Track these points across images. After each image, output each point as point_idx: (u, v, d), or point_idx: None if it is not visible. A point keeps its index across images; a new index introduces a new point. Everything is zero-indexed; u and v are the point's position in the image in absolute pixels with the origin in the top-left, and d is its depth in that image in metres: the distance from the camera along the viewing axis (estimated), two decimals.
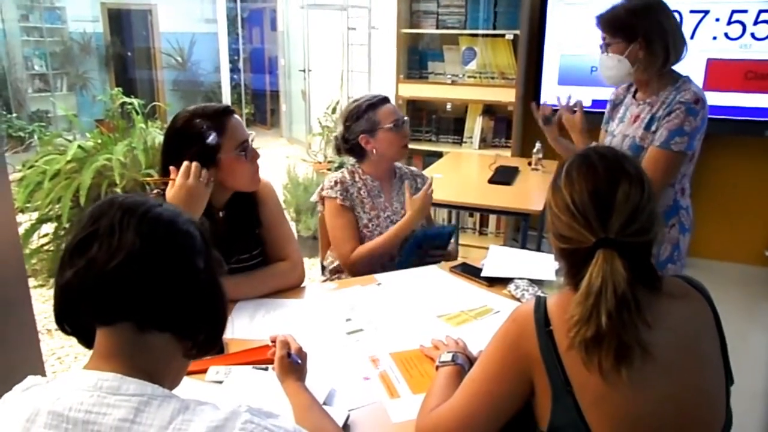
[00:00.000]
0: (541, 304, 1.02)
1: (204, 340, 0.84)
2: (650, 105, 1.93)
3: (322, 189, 2.10)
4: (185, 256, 0.80)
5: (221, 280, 0.86)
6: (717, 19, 3.42)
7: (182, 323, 0.80)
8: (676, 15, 3.44)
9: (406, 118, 2.10)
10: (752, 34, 3.38)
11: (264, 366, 1.32)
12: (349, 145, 2.09)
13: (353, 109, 2.07)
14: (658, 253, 1.97)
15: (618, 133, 2.04)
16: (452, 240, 2.23)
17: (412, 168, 2.30)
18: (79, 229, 0.79)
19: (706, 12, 3.44)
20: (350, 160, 2.18)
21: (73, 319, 0.80)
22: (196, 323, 0.81)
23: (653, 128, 1.90)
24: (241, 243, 1.75)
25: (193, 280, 0.80)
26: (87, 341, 0.80)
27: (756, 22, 3.36)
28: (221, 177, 1.62)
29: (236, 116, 1.65)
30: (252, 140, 1.67)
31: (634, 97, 2.03)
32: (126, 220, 0.77)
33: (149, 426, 0.70)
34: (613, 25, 1.89)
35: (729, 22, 3.41)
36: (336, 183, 2.07)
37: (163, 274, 0.77)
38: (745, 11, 3.36)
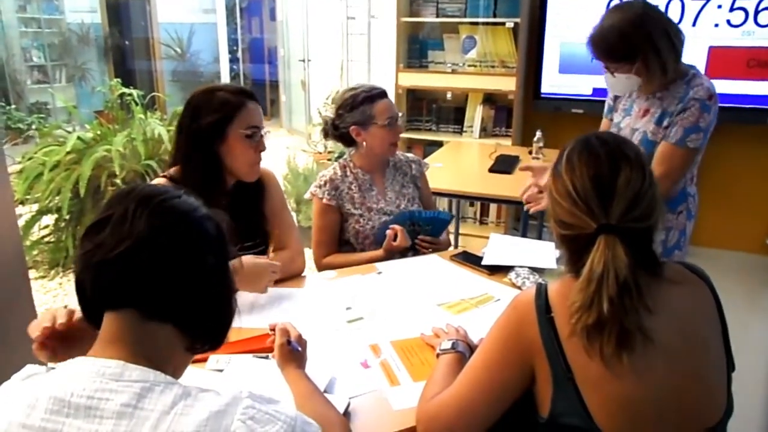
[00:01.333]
0: (542, 291, 1.02)
1: (206, 335, 0.84)
2: (660, 99, 1.91)
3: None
4: (194, 250, 0.80)
5: (232, 279, 0.85)
6: (719, 6, 3.39)
7: (185, 316, 0.80)
8: (678, 3, 3.44)
9: (400, 114, 2.08)
10: (755, 21, 3.35)
11: (264, 354, 1.32)
12: (338, 132, 2.06)
13: (348, 98, 2.03)
14: (666, 239, 1.98)
15: (625, 126, 2.02)
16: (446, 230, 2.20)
17: (408, 154, 2.27)
18: (97, 213, 0.81)
19: None
20: (351, 151, 2.16)
21: (84, 301, 0.81)
22: (198, 318, 0.81)
23: (665, 123, 1.88)
24: (245, 231, 1.75)
25: (198, 275, 0.80)
26: (96, 323, 0.81)
27: (758, 9, 3.33)
28: (224, 154, 1.63)
29: (256, 103, 1.67)
30: (265, 133, 1.67)
31: (640, 89, 2.00)
32: (140, 209, 0.78)
33: (151, 411, 0.70)
34: (609, 54, 1.86)
35: (731, 9, 3.38)
36: (325, 182, 2.05)
37: (169, 265, 0.77)
38: None
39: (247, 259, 1.57)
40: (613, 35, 1.82)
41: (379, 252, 1.98)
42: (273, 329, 1.26)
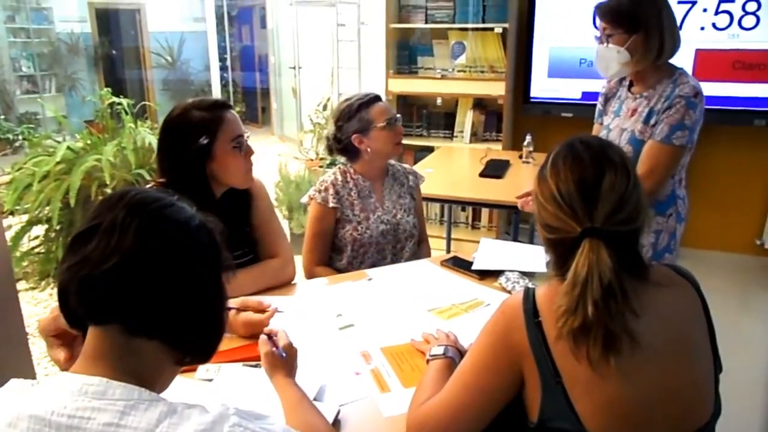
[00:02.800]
0: (529, 296, 1.02)
1: (197, 350, 0.82)
2: (647, 99, 1.92)
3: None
4: (186, 265, 0.76)
5: (224, 291, 0.83)
6: (704, 10, 3.43)
7: (174, 333, 0.77)
8: None
9: (398, 115, 2.08)
10: (740, 24, 3.39)
11: (254, 363, 1.31)
12: (341, 145, 2.06)
13: (345, 109, 2.03)
14: (655, 242, 1.98)
15: (614, 127, 2.02)
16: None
17: (405, 165, 2.28)
18: (86, 219, 0.77)
19: (694, 2, 3.44)
20: (342, 158, 2.16)
21: (68, 309, 0.78)
22: (188, 334, 0.79)
23: (652, 121, 1.89)
24: (234, 240, 1.74)
25: (190, 291, 0.77)
26: (82, 330, 0.79)
27: (744, 9, 3.37)
28: (215, 171, 1.62)
29: (233, 111, 1.66)
30: (247, 138, 1.67)
31: (629, 90, 2.01)
32: (129, 219, 0.74)
33: (134, 429, 0.68)
34: (615, 15, 1.85)
35: (716, 13, 3.42)
36: (326, 187, 2.04)
37: (158, 281, 0.74)
38: (732, 1, 3.37)
39: None
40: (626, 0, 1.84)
41: None
42: (268, 334, 1.24)
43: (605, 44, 1.90)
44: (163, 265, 0.75)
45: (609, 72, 1.98)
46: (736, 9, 3.38)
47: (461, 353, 1.26)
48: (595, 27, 1.95)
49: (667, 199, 1.98)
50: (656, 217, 1.96)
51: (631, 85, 2.03)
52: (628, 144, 1.93)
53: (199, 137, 1.57)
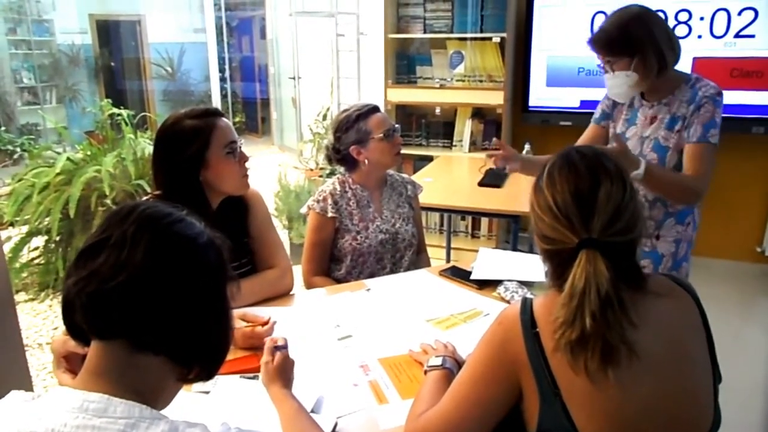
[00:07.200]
0: (527, 306, 1.02)
1: (201, 366, 0.81)
2: (667, 105, 1.90)
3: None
4: (194, 283, 0.76)
5: (230, 308, 0.83)
6: (701, 18, 3.44)
7: (180, 348, 0.77)
8: (661, 14, 3.48)
9: (397, 125, 2.07)
10: (736, 32, 3.40)
11: (251, 375, 1.31)
12: (340, 155, 2.06)
13: (343, 120, 2.03)
14: (675, 251, 1.96)
15: (632, 135, 1.99)
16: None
17: (403, 175, 2.28)
18: (94, 232, 0.76)
19: (691, 11, 3.46)
20: (341, 167, 2.16)
21: (72, 323, 0.77)
22: (195, 350, 0.79)
23: (677, 127, 1.87)
24: (231, 251, 1.74)
25: (197, 307, 0.77)
26: (85, 342, 0.78)
27: (739, 18, 3.38)
28: (210, 179, 1.62)
29: (224, 118, 1.66)
30: (240, 145, 1.67)
31: (643, 98, 1.98)
32: (139, 234, 0.73)
33: None
34: (609, 45, 1.85)
35: (712, 20, 3.43)
36: (324, 197, 2.04)
37: (167, 298, 0.74)
38: (728, 10, 3.38)
39: None
40: (614, 27, 1.84)
41: None
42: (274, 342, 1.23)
43: (611, 73, 1.88)
44: (172, 280, 0.74)
45: (621, 97, 1.97)
46: (732, 17, 3.39)
47: (459, 364, 1.26)
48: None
49: (687, 207, 1.96)
50: (676, 225, 1.95)
51: (643, 93, 1.99)
52: (652, 152, 1.91)
53: (192, 145, 1.57)
